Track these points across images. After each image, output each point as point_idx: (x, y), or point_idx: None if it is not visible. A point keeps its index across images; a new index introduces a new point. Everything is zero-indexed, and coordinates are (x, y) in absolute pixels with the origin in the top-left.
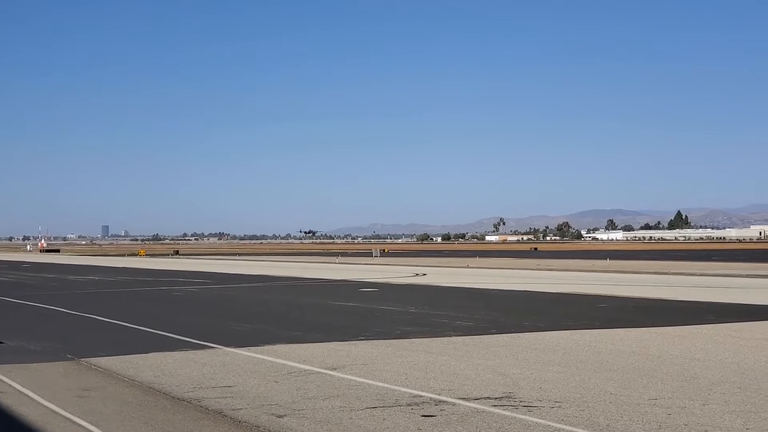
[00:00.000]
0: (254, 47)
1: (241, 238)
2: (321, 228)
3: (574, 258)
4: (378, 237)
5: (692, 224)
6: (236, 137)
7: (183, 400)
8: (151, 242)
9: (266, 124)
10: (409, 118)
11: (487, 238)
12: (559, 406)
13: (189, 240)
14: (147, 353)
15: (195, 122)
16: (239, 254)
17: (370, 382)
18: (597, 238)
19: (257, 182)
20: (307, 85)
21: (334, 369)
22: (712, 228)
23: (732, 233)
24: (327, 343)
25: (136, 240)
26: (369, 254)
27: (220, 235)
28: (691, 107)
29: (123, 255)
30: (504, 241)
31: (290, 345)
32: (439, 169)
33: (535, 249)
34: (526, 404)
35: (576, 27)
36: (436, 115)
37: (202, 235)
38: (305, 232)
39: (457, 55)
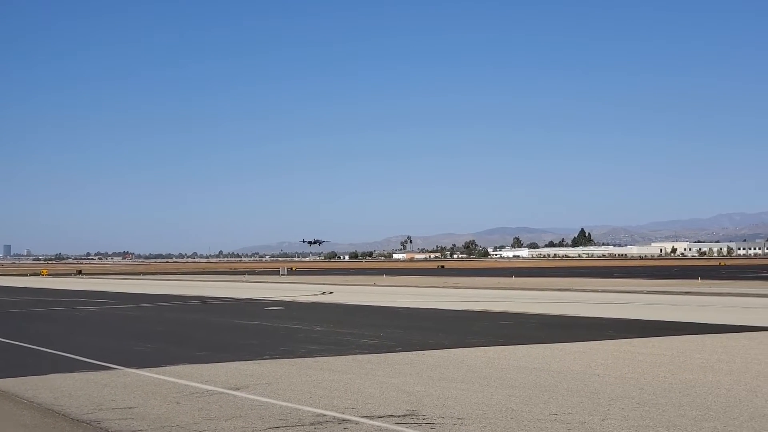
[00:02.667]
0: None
1: (146, 257)
2: (229, 247)
3: (481, 275)
4: (286, 255)
5: (595, 241)
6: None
7: (82, 422)
8: (54, 262)
9: (170, 141)
10: (315, 138)
11: (395, 256)
12: (462, 423)
13: (93, 259)
14: (46, 374)
15: (99, 141)
16: (144, 273)
17: (273, 401)
18: (503, 256)
19: (162, 201)
20: (206, 98)
21: (237, 389)
22: (615, 245)
23: (634, 250)
24: (231, 362)
25: (39, 259)
26: (276, 273)
27: (125, 254)
28: (591, 128)
29: (25, 275)
30: (411, 259)
31: (193, 365)
32: (346, 188)
33: (442, 267)
34: (429, 421)
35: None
36: (342, 134)
37: (106, 255)
38: (309, 242)
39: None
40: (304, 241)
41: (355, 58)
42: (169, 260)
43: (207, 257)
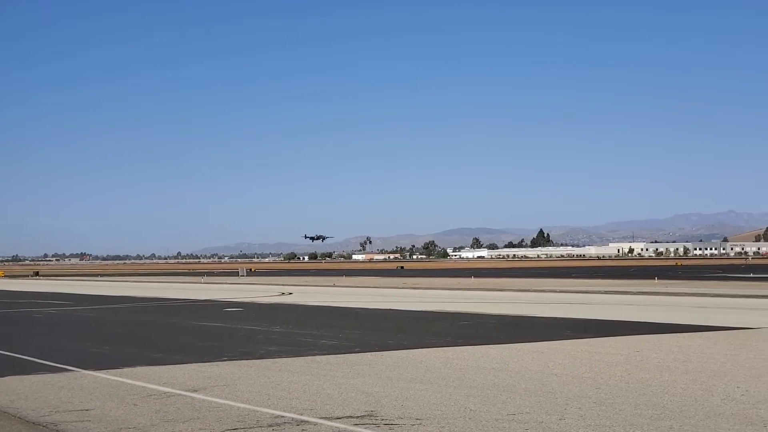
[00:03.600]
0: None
1: (104, 259)
2: (187, 248)
3: (440, 276)
4: (245, 256)
5: (554, 242)
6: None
7: (39, 425)
8: (10, 263)
9: (129, 143)
10: (274, 140)
11: (354, 256)
12: (420, 424)
13: (50, 261)
14: (2, 377)
15: (57, 141)
16: (102, 275)
17: (231, 403)
18: (463, 257)
19: (120, 202)
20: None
21: (195, 391)
22: (573, 245)
23: (591, 251)
24: (189, 364)
25: None
26: (235, 274)
27: (82, 256)
28: (549, 129)
29: None
30: (371, 260)
31: (151, 367)
32: (305, 189)
33: (402, 267)
34: (387, 422)
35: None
36: (297, 136)
37: (63, 256)
38: (312, 238)
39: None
40: (305, 237)
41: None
42: (127, 262)
43: (165, 258)
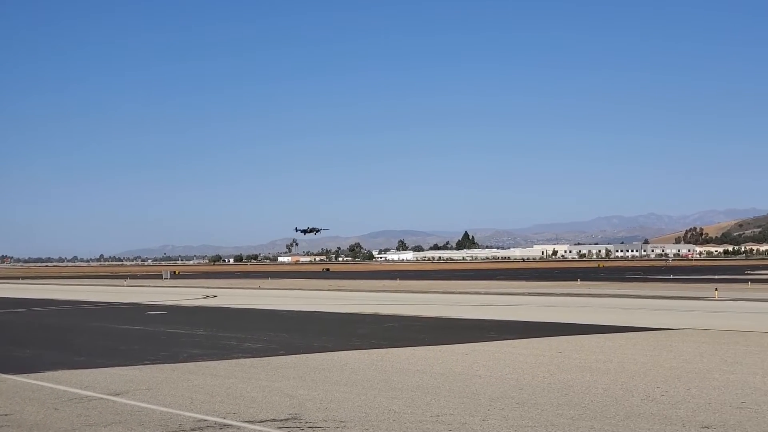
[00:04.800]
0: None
1: (26, 261)
2: (110, 251)
3: (366, 278)
4: (169, 259)
5: (479, 244)
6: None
7: None
8: None
9: (45, 143)
10: (198, 143)
11: (280, 259)
12: (344, 426)
13: None
14: None
15: None
16: (23, 278)
17: (153, 407)
18: (388, 259)
19: (41, 203)
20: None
21: (117, 394)
22: (498, 248)
23: (516, 253)
24: (111, 368)
25: None
26: (159, 276)
27: (3, 258)
28: (473, 130)
29: None
30: (297, 262)
31: (72, 371)
32: (231, 190)
33: (327, 270)
34: (311, 425)
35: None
36: (221, 140)
37: None
38: (304, 231)
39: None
40: (297, 230)
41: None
42: (49, 264)
43: (88, 261)
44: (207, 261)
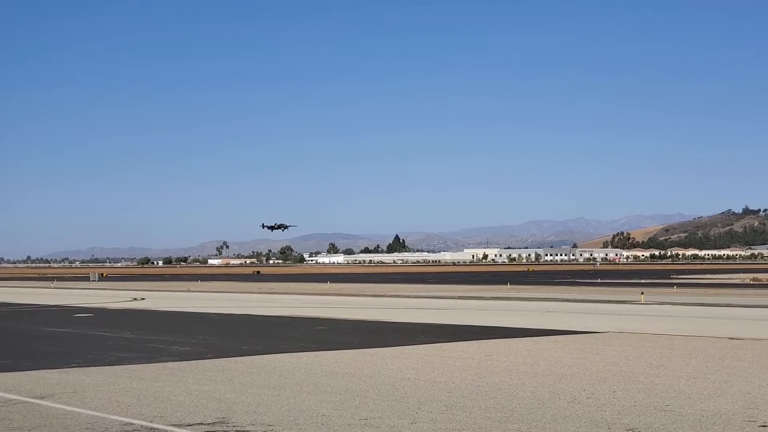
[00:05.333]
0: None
1: None
2: (37, 252)
3: (296, 281)
4: (97, 261)
5: (410, 248)
6: None
7: None
8: None
9: None
10: (127, 139)
11: (210, 261)
12: (272, 430)
13: None
14: None
15: None
16: None
17: (79, 410)
18: (319, 262)
19: None
20: None
21: (42, 398)
22: (429, 251)
23: (447, 256)
24: (36, 371)
25: None
26: (87, 279)
27: None
28: (404, 133)
29: None
30: (227, 265)
31: None
32: (160, 192)
33: (258, 272)
34: (239, 429)
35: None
36: (146, 141)
37: None
38: (270, 227)
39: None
40: (263, 226)
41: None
42: None
43: (14, 263)
44: (135, 263)
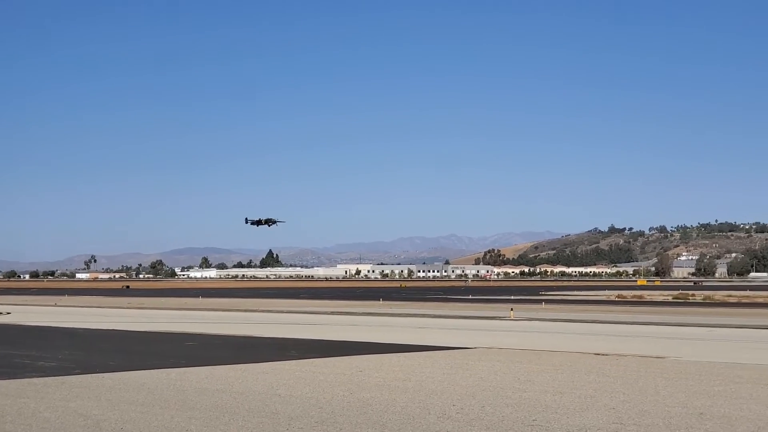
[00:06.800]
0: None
1: None
2: None
3: (167, 296)
4: None
5: (283, 263)
6: None
7: None
8: None
9: None
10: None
11: (78, 275)
12: None
13: None
14: None
15: None
16: None
17: None
18: (191, 276)
19: None
20: None
21: None
22: (302, 266)
23: (320, 272)
24: None
25: None
26: None
27: None
28: (276, 153)
29: None
30: (95, 279)
31: None
32: (26, 203)
33: (128, 287)
34: None
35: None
36: (28, 143)
37: None
38: (255, 222)
39: None
40: (247, 221)
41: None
42: None
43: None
44: (1, 277)
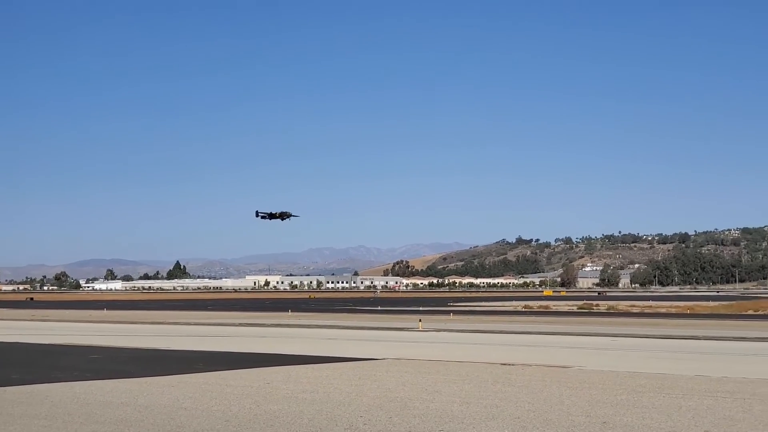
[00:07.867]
0: None
1: None
2: None
3: (72, 308)
4: None
5: (191, 274)
6: None
7: None
8: None
9: None
10: None
11: None
12: None
13: None
14: None
15: None
16: None
17: None
18: (96, 288)
19: None
20: None
21: None
22: (210, 278)
23: (228, 283)
24: None
25: None
26: None
27: None
28: (184, 163)
29: None
30: None
31: None
32: None
33: (32, 299)
34: None
35: None
36: None
37: None
38: (268, 215)
39: None
40: (258, 214)
41: None
42: None
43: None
44: None
